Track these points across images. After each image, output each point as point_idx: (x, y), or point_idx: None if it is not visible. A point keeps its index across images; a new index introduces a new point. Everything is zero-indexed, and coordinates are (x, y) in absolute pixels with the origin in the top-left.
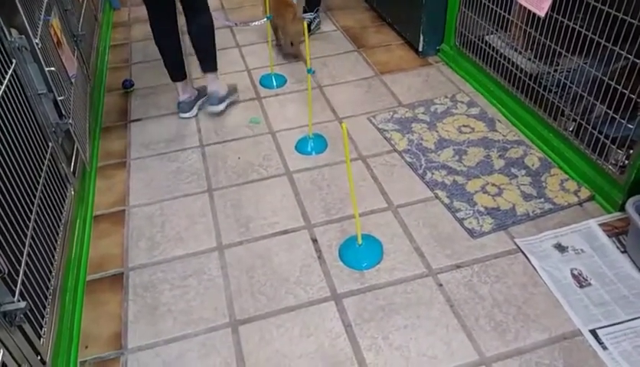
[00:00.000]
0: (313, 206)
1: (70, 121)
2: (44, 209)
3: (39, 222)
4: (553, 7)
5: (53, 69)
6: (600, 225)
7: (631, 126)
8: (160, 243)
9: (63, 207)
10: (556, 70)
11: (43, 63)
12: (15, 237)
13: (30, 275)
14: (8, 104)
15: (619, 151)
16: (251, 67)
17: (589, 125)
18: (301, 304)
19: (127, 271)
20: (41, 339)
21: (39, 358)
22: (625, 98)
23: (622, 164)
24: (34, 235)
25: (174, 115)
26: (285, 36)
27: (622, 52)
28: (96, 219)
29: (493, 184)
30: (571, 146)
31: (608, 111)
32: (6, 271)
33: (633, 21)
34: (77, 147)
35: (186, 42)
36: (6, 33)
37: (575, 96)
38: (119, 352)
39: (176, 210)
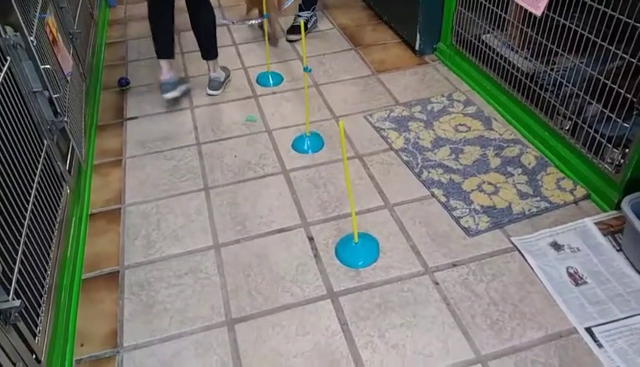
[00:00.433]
0: (309, 204)
1: (66, 119)
2: (39, 208)
3: (34, 220)
4: (549, 6)
5: (48, 66)
6: (596, 223)
7: (627, 125)
8: (156, 241)
9: (58, 205)
10: (552, 69)
11: (38, 60)
12: (10, 235)
13: (25, 273)
14: (3, 102)
15: (615, 150)
16: (247, 65)
17: (585, 123)
18: (297, 303)
19: (123, 270)
20: (36, 338)
21: (34, 356)
22: (621, 97)
23: (617, 162)
24: (29, 234)
25: (171, 113)
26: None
27: (617, 51)
28: (91, 218)
29: (489, 183)
30: (567, 145)
31: (604, 110)
32: (0, 270)
33: (629, 21)
34: (73, 145)
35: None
36: (1, 30)
37: (571, 95)
38: (115, 351)
39: (172, 208)
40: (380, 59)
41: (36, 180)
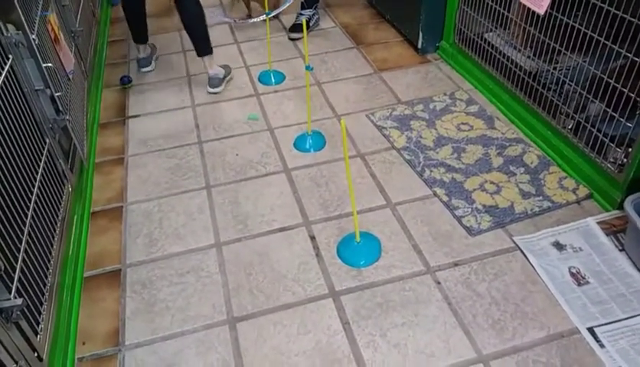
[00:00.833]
0: (311, 203)
1: (68, 117)
2: (41, 206)
3: (36, 218)
4: (552, 5)
5: (50, 65)
6: (598, 223)
7: (630, 125)
8: (158, 240)
9: (60, 204)
10: (555, 68)
11: (40, 58)
12: (12, 233)
13: (27, 272)
14: (5, 100)
15: (618, 149)
16: (249, 64)
17: (588, 123)
18: (299, 301)
19: (125, 268)
20: (38, 336)
21: (36, 354)
22: (625, 96)
23: (620, 162)
24: (31, 232)
25: (173, 112)
26: None
27: (621, 50)
28: (93, 216)
29: (491, 182)
30: (570, 144)
31: (607, 109)
32: (2, 268)
33: (633, 20)
34: (75, 144)
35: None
36: (2, 28)
37: (574, 94)
38: (117, 349)
39: (174, 207)
40: (383, 57)
41: (38, 179)
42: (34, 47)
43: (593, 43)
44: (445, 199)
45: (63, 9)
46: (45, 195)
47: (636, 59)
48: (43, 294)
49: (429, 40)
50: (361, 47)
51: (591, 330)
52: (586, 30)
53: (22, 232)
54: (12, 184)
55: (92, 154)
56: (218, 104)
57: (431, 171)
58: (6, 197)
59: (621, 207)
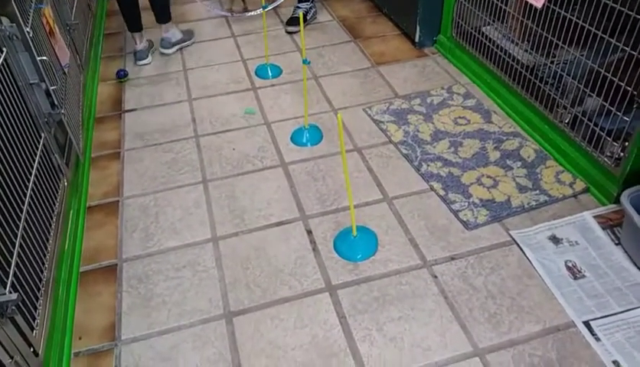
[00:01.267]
0: (308, 197)
1: (63, 111)
2: (36, 201)
3: (31, 213)
4: None
5: (45, 58)
6: (595, 217)
7: (627, 118)
8: (154, 234)
9: (56, 198)
10: (552, 62)
11: (35, 52)
12: (7, 228)
13: (22, 267)
14: None
15: (615, 143)
16: (246, 57)
17: (584, 117)
18: (295, 296)
19: (121, 263)
20: (34, 331)
21: (32, 349)
22: (621, 90)
23: (617, 156)
24: (27, 227)
25: (169, 106)
26: None
27: (618, 44)
28: (89, 210)
29: (488, 176)
30: (567, 138)
31: (604, 103)
32: None
33: (630, 13)
34: (70, 138)
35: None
36: None
37: (571, 88)
38: (113, 344)
39: (170, 201)
40: (380, 51)
41: (33, 173)
42: (29, 40)
43: (591, 37)
44: (442, 193)
45: (58, 2)
46: (40, 189)
47: (633, 52)
48: (38, 289)
49: (426, 34)
50: (359, 41)
51: (587, 324)
52: (584, 24)
53: (17, 227)
54: (7, 179)
55: (88, 148)
56: (215, 98)
57: (428, 165)
58: (1, 192)
59: (617, 201)
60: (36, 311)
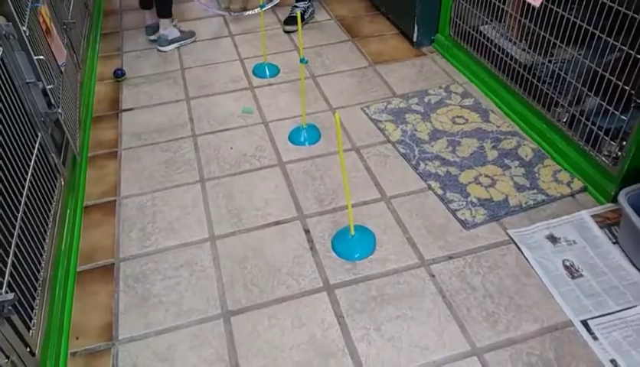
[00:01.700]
0: (306, 196)
1: (60, 110)
2: (33, 200)
3: (28, 212)
4: None
5: (41, 57)
6: (592, 216)
7: (625, 118)
8: (151, 234)
9: (52, 198)
10: (550, 61)
11: (31, 51)
12: (3, 228)
13: (18, 266)
14: None
15: (612, 142)
16: (244, 56)
17: (582, 116)
18: (293, 295)
19: (118, 262)
20: (30, 331)
21: (28, 349)
22: (619, 89)
23: (614, 155)
24: (23, 226)
25: (167, 105)
26: None
27: (616, 43)
28: (86, 210)
29: (486, 175)
30: (564, 137)
31: (602, 102)
32: None
33: (628, 12)
34: (67, 137)
35: None
36: None
37: (569, 87)
38: (110, 344)
39: (168, 201)
40: (378, 50)
41: (30, 173)
42: (25, 39)
43: (588, 36)
44: (440, 192)
45: (55, 1)
46: (37, 189)
47: (631, 52)
48: (35, 289)
49: (424, 33)
50: (356, 40)
51: (584, 323)
52: (582, 23)
53: (14, 227)
54: (3, 178)
55: (85, 147)
56: (212, 97)
57: (426, 164)
58: None
59: (615, 200)
60: (32, 311)
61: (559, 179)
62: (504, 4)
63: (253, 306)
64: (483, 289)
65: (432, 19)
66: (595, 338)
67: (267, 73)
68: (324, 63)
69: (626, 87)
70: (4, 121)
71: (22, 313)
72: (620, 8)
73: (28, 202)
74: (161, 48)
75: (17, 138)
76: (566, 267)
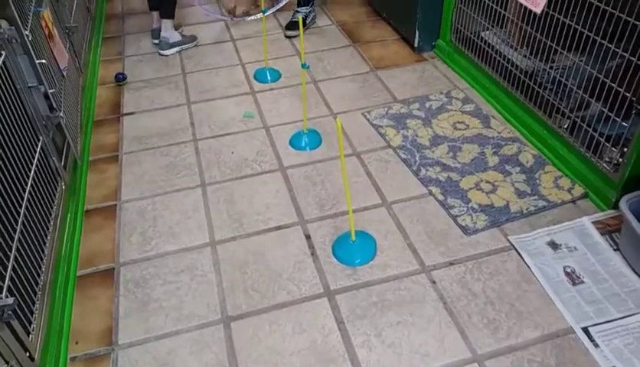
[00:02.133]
0: (307, 201)
1: (61, 114)
2: (33, 204)
3: (29, 216)
4: (549, 4)
5: (44, 61)
6: (593, 222)
7: (626, 124)
8: (152, 238)
9: (53, 201)
10: (551, 67)
11: (33, 55)
12: (4, 232)
13: (19, 271)
14: None
15: (614, 149)
16: (245, 61)
17: (583, 122)
18: (294, 301)
19: (118, 267)
20: (30, 336)
21: (28, 354)
22: (620, 96)
23: (616, 162)
24: (24, 230)
25: (168, 109)
26: None
27: (617, 50)
28: (87, 214)
29: (487, 181)
30: (565, 143)
31: (603, 109)
32: None
33: (629, 19)
34: (68, 141)
35: None
36: None
37: (570, 94)
38: (110, 348)
39: (168, 205)
40: (379, 56)
41: (31, 176)
42: (28, 43)
43: (590, 43)
44: (441, 198)
45: (57, 4)
46: (38, 193)
47: (632, 58)
48: (35, 293)
49: (425, 39)
50: (358, 45)
51: (585, 330)
52: (583, 30)
53: (14, 231)
54: (4, 182)
55: (86, 151)
56: (213, 101)
57: (427, 170)
58: None
59: (616, 207)
60: (32, 315)
61: (560, 185)
62: (505, 10)
63: (254, 312)
64: (484, 295)
65: (433, 25)
66: (596, 345)
67: (268, 77)
68: (326, 68)
69: (627, 94)
70: (6, 124)
71: (22, 317)
72: (621, 15)
73: (29, 206)
74: (162, 52)
75: (18, 141)
76: (567, 274)
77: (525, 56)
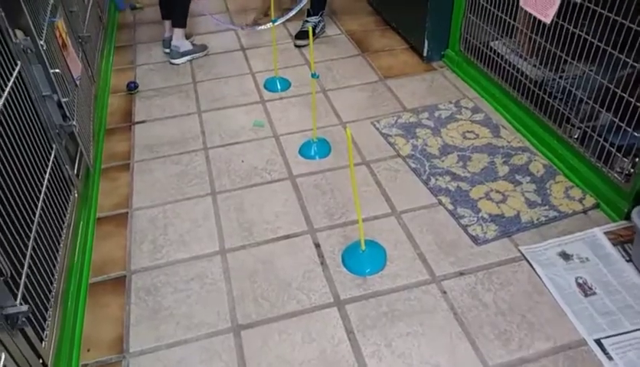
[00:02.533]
0: (316, 210)
1: (74, 123)
2: (47, 212)
3: (42, 224)
4: (558, 13)
5: (57, 71)
6: (605, 233)
7: (637, 134)
8: (163, 246)
9: (66, 209)
10: (561, 77)
11: (48, 64)
12: (18, 239)
13: (32, 278)
14: (13, 106)
15: (625, 159)
16: (255, 70)
17: (594, 132)
18: (303, 310)
19: (129, 274)
20: (43, 343)
21: (41, 361)
22: (631, 106)
23: (627, 172)
24: (37, 238)
25: (179, 118)
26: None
27: (628, 60)
28: (99, 222)
29: (497, 191)
30: (576, 153)
31: (614, 119)
32: (8, 274)
33: (639, 29)
34: (81, 149)
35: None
36: (11, 34)
37: (580, 103)
38: (121, 356)
39: (179, 213)
40: (388, 65)
41: (44, 184)
42: (42, 53)
43: (600, 52)
44: (451, 207)
45: (71, 15)
46: (51, 201)
47: None
48: (48, 300)
49: (434, 48)
50: (367, 55)
51: (598, 342)
52: (592, 40)
53: (28, 238)
54: (19, 190)
55: (98, 159)
56: (224, 110)
57: (436, 179)
58: (13, 203)
59: (628, 217)
60: (45, 323)
61: (571, 195)
62: (514, 20)
63: (264, 321)
64: (495, 306)
65: (442, 34)
66: (610, 358)
67: (278, 86)
68: (335, 77)
69: (638, 104)
70: (21, 133)
71: (35, 324)
72: (632, 25)
73: (43, 214)
74: (173, 61)
75: (33, 150)
76: (579, 285)
77: (535, 65)
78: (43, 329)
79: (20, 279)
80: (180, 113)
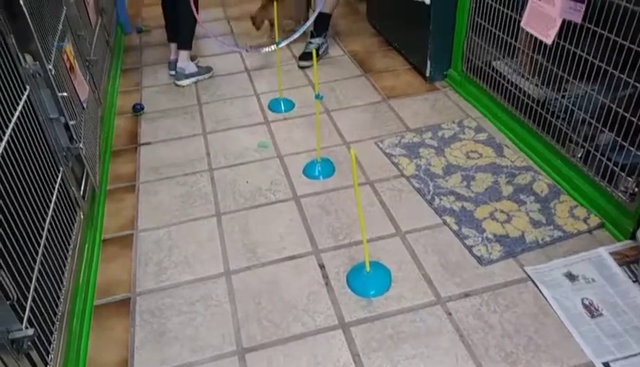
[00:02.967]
0: (320, 231)
1: (81, 145)
2: (53, 234)
3: (49, 246)
4: (559, 34)
5: (65, 94)
6: (611, 253)
7: None
8: (167, 268)
9: (72, 231)
10: (563, 97)
11: (56, 88)
12: (25, 263)
13: (38, 301)
14: (22, 129)
15: (629, 178)
16: (260, 91)
17: (597, 151)
18: (308, 332)
19: (134, 296)
20: (48, 366)
21: None
22: (634, 125)
23: (632, 191)
24: (44, 261)
25: (184, 139)
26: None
27: (629, 80)
28: (104, 243)
29: (501, 211)
30: (580, 173)
31: (617, 138)
32: (15, 298)
33: None
34: (87, 171)
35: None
36: (21, 59)
37: (583, 123)
38: None
39: (184, 235)
40: (391, 85)
41: (51, 207)
42: (51, 77)
43: (601, 72)
44: (455, 227)
45: (79, 39)
46: (58, 223)
47: None
48: (53, 323)
49: (437, 68)
50: (369, 75)
51: (606, 365)
52: (594, 60)
53: (35, 261)
54: (27, 213)
55: (104, 181)
56: (228, 131)
57: (440, 199)
58: (20, 226)
59: (633, 237)
60: (50, 345)
61: (575, 215)
62: (516, 40)
63: (268, 343)
64: (501, 328)
65: (444, 54)
66: None
67: (282, 107)
68: (338, 97)
69: None
70: (28, 156)
71: (40, 347)
72: (632, 46)
73: (49, 237)
74: (178, 83)
75: (40, 172)
76: (586, 306)
77: (537, 85)
78: (48, 353)
79: (26, 302)
80: (185, 134)
